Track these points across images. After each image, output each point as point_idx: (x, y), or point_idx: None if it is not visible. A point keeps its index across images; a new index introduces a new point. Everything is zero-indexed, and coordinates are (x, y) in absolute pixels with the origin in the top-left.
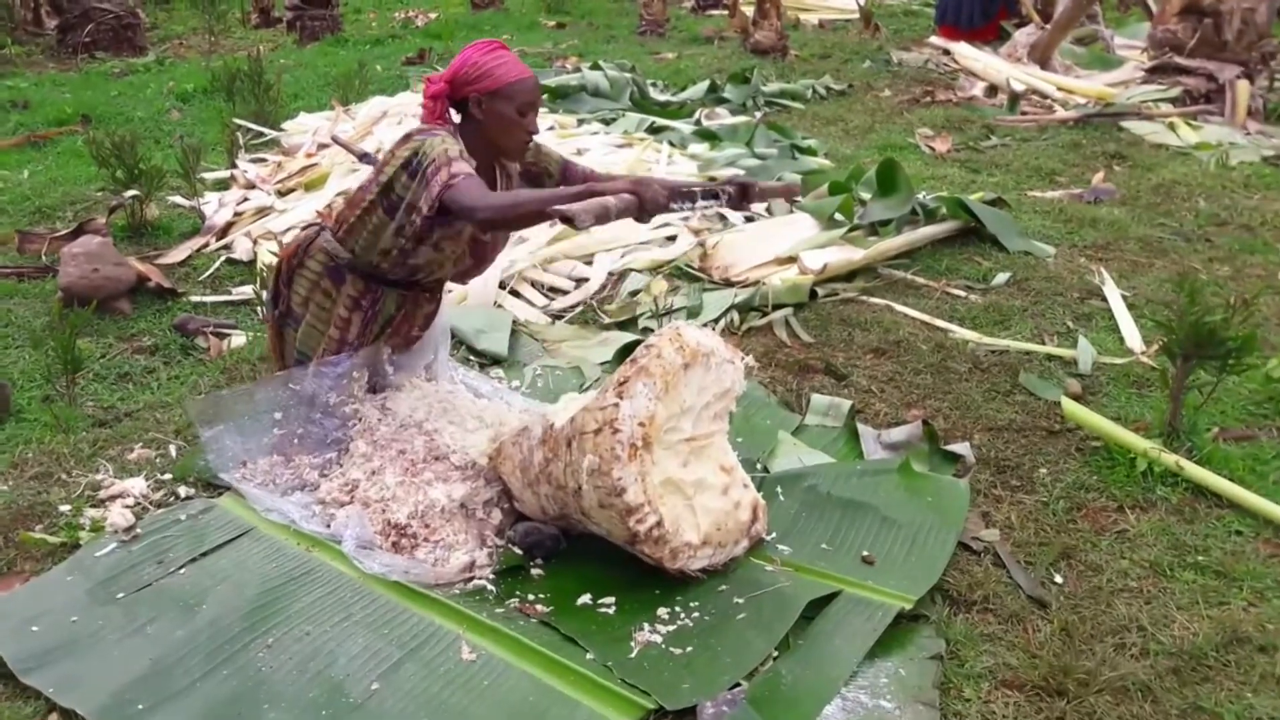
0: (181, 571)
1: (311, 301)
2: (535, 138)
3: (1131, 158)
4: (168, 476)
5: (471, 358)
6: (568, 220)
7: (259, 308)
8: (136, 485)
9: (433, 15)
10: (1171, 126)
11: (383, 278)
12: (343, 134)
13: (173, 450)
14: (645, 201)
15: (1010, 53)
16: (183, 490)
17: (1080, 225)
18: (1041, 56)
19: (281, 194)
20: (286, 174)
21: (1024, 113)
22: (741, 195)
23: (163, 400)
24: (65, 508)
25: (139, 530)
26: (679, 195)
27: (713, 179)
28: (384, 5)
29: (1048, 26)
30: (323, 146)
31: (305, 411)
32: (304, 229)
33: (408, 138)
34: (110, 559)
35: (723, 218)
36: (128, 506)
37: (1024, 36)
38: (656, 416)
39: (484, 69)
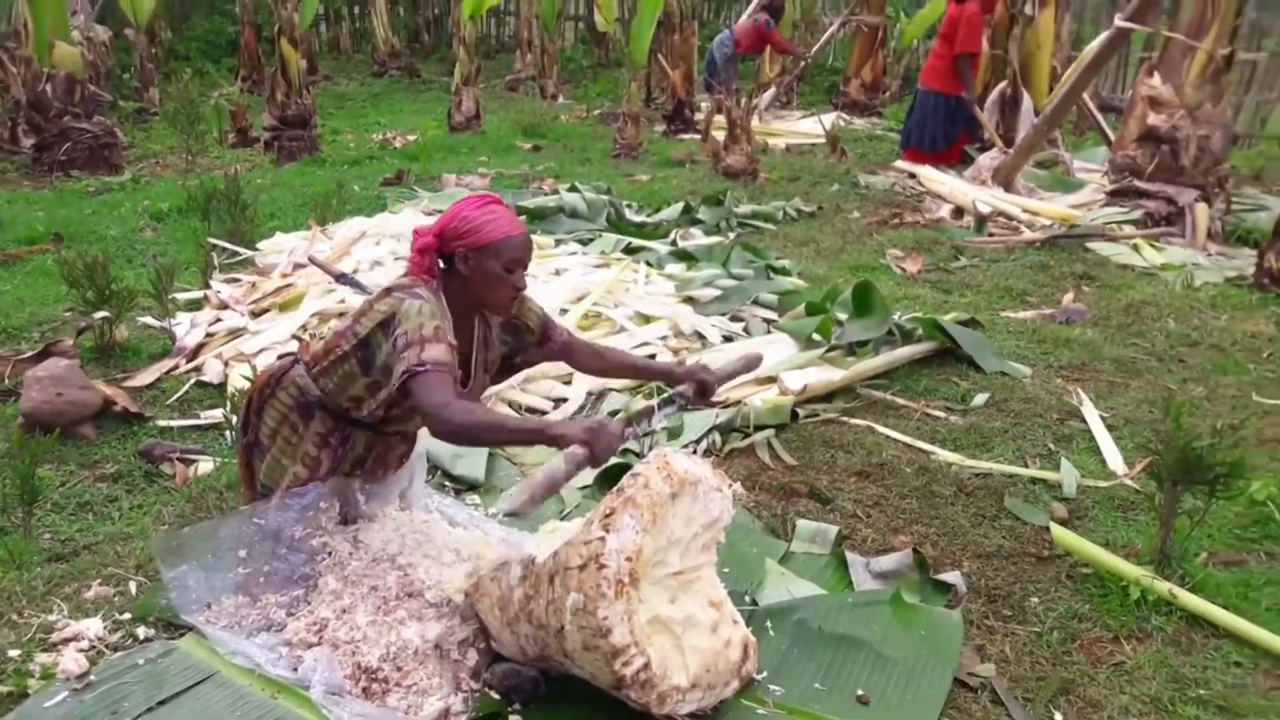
0: None
1: (279, 435)
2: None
3: (1099, 278)
4: (126, 616)
5: (447, 483)
6: (513, 514)
7: (228, 432)
8: (92, 626)
9: (411, 136)
10: (1136, 248)
11: (353, 420)
12: (319, 254)
13: (133, 587)
14: (598, 452)
15: (974, 175)
16: (141, 631)
17: (1054, 345)
18: (1005, 179)
19: (255, 315)
20: (261, 294)
21: (991, 234)
22: (700, 393)
23: (124, 532)
24: (14, 653)
25: (93, 677)
26: (635, 420)
27: (671, 372)
28: (362, 126)
29: (1010, 150)
30: (299, 266)
31: (271, 547)
32: (279, 358)
33: (389, 291)
34: (60, 710)
35: (701, 336)
36: (82, 650)
37: (987, 160)
38: (644, 550)
39: (473, 224)
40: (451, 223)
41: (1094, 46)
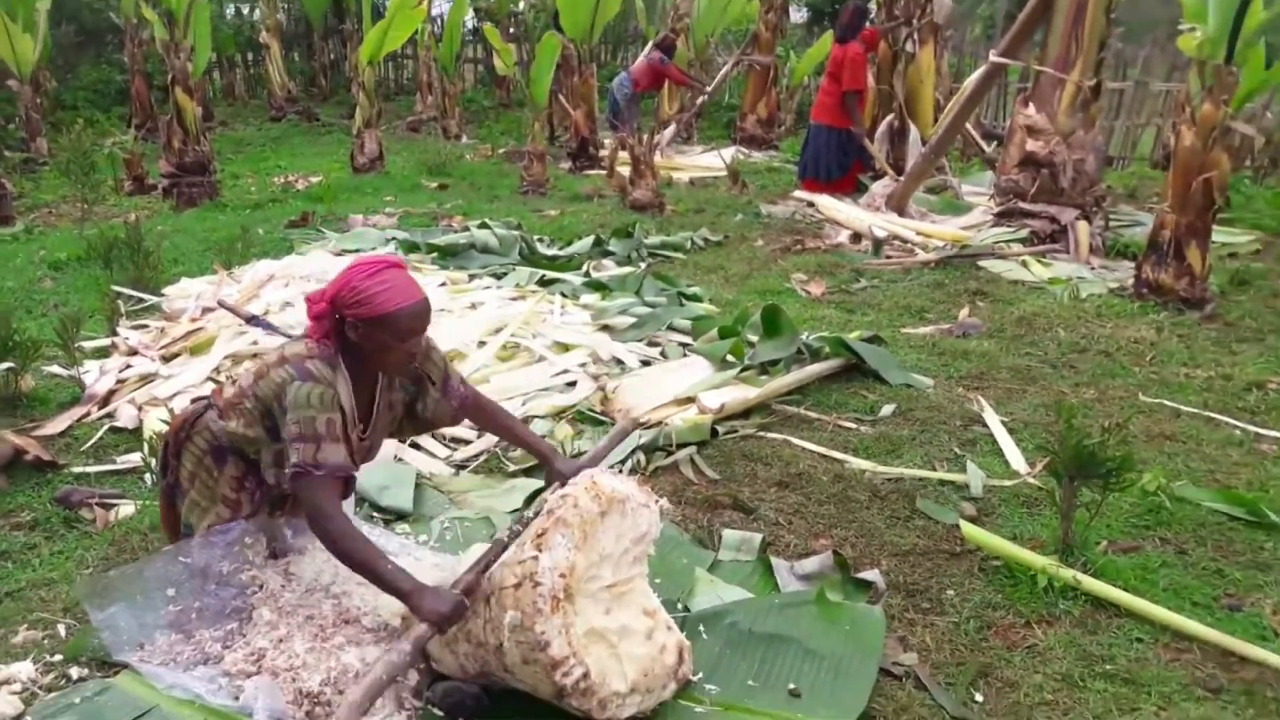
0: None
1: (197, 478)
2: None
3: (992, 294)
4: (58, 658)
5: (375, 514)
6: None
7: (147, 475)
8: (24, 669)
9: (314, 179)
10: (1024, 264)
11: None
12: (228, 298)
13: (62, 630)
14: (443, 632)
15: (869, 203)
16: (75, 671)
17: (954, 358)
18: (897, 205)
19: (166, 359)
20: (171, 339)
21: (888, 256)
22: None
23: (47, 578)
24: None
25: (28, 718)
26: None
27: (545, 459)
28: (262, 170)
29: (900, 178)
30: (207, 310)
31: (199, 584)
32: (194, 401)
33: (284, 360)
34: None
35: (620, 362)
36: (15, 693)
37: (880, 187)
38: (576, 566)
39: (363, 295)
40: (342, 291)
41: (973, 80)
